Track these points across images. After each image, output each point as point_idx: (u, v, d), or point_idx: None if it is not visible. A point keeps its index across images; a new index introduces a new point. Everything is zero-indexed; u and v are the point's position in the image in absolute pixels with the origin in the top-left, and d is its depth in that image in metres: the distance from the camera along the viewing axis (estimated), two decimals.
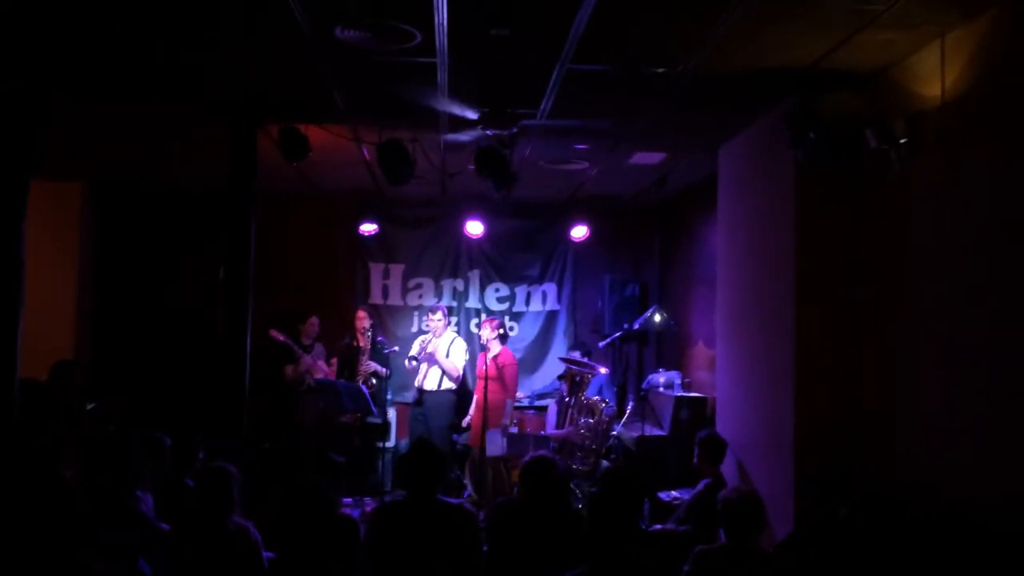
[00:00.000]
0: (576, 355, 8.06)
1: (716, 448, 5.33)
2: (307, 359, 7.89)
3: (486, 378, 7.14)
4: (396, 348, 8.15)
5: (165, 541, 4.02)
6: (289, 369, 7.91)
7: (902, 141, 4.24)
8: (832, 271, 4.98)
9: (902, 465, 4.44)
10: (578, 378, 7.22)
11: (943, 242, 4.14)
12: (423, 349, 7.85)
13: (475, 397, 7.67)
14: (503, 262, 9.32)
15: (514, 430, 7.53)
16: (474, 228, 8.22)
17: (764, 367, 5.46)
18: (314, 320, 8.13)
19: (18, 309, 3.70)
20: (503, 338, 7.68)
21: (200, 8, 4.02)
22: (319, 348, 8.17)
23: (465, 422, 7.77)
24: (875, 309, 4.75)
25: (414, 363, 7.87)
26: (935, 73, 4.17)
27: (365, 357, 7.92)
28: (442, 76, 4.83)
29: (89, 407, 6.40)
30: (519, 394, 8.26)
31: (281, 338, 7.74)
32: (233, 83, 5.23)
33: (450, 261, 9.29)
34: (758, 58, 4.47)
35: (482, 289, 9.32)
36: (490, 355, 7.45)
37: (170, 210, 8.80)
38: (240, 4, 3.98)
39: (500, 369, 7.42)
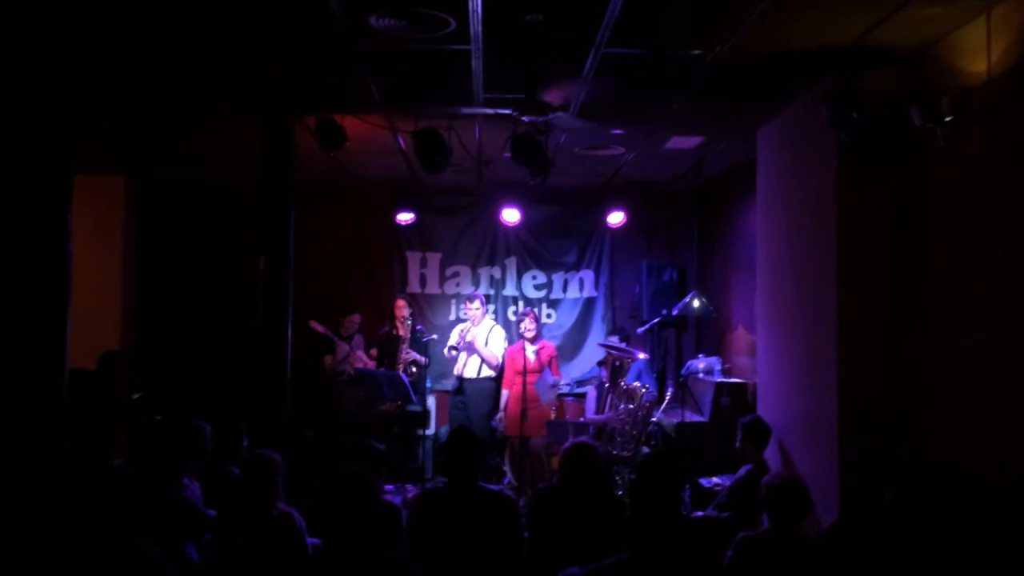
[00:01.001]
0: (615, 340, 8.04)
1: (760, 433, 5.27)
2: (344, 347, 7.97)
3: (524, 371, 7.15)
4: (435, 336, 8.18)
5: (212, 527, 4.09)
6: (328, 359, 8.00)
7: (947, 119, 4.14)
8: (874, 252, 4.90)
9: (945, 449, 4.37)
10: (618, 363, 7.20)
11: (990, 221, 4.04)
12: (462, 338, 7.87)
13: (509, 391, 7.63)
14: (540, 249, 9.30)
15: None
16: (510, 215, 8.21)
17: (806, 351, 5.39)
18: (355, 318, 8.21)
19: (67, 302, 3.76)
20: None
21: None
22: (358, 339, 8.25)
23: (498, 417, 7.76)
24: (918, 290, 4.66)
25: (453, 352, 7.89)
26: (981, 49, 4.07)
27: (405, 346, 7.96)
28: (476, 63, 4.82)
29: (135, 397, 6.54)
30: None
31: (320, 329, 7.84)
32: (269, 74, 5.27)
33: (487, 249, 9.30)
34: (797, 37, 4.40)
35: (519, 276, 9.31)
36: (533, 347, 7.46)
37: (210, 202, 8.92)
38: None
39: (545, 362, 7.47)
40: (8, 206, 3.68)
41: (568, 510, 4.08)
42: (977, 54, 4.10)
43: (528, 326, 7.61)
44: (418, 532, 3.94)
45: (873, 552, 3.75)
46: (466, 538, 3.87)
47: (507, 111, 5.43)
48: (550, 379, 7.24)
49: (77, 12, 4.05)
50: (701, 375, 7.61)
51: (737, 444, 5.29)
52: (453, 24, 4.23)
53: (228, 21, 4.34)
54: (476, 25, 4.23)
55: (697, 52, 4.63)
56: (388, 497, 6.78)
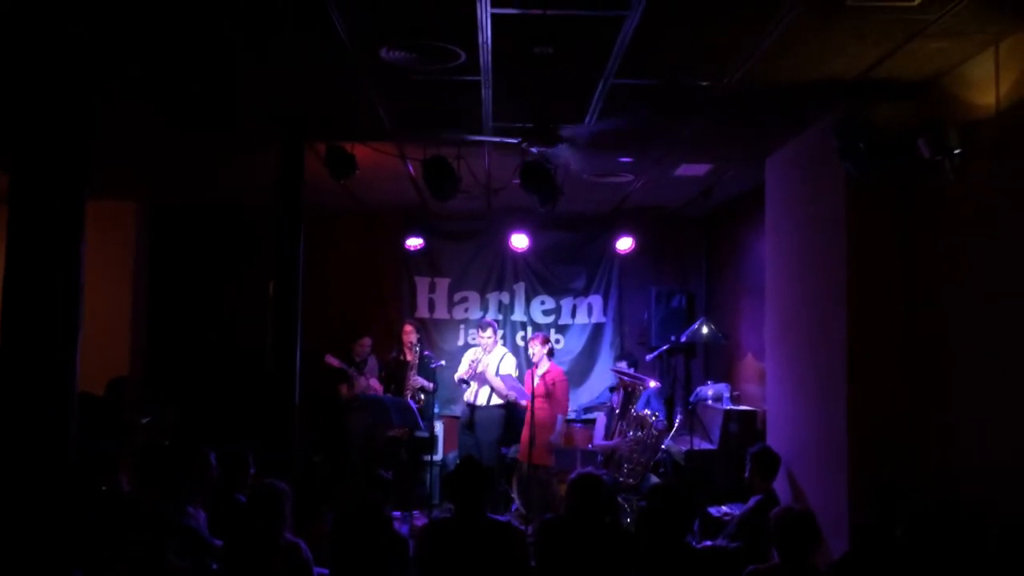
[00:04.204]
0: (623, 365, 8.02)
1: (769, 463, 5.24)
2: (362, 381, 8.02)
3: (533, 395, 7.12)
4: (443, 363, 8.17)
5: (218, 557, 4.08)
6: (344, 389, 8.03)
7: (956, 151, 4.15)
8: (884, 282, 4.89)
9: (960, 479, 4.33)
10: (630, 389, 7.17)
11: (1000, 253, 4.04)
12: (473, 368, 7.83)
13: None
14: (548, 275, 9.31)
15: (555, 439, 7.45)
16: (519, 241, 8.21)
17: (816, 380, 5.37)
18: (366, 341, 8.23)
19: (77, 331, 3.79)
20: (550, 353, 7.66)
21: (249, 30, 4.11)
22: (372, 363, 8.27)
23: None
24: (930, 320, 4.64)
25: (464, 385, 7.87)
26: (989, 81, 4.08)
27: (413, 372, 7.97)
28: (486, 93, 4.86)
29: (143, 421, 6.56)
30: None
31: (336, 363, 7.91)
32: (281, 103, 5.32)
33: (495, 274, 9.31)
34: (805, 69, 4.41)
35: (528, 302, 9.32)
36: (539, 372, 7.42)
37: (220, 228, 8.97)
38: (288, 28, 4.05)
39: (550, 386, 7.38)
40: (21, 232, 3.71)
41: (574, 541, 4.06)
42: (986, 86, 4.11)
43: (531, 350, 7.58)
44: (426, 562, 3.93)
45: None
46: (474, 569, 3.86)
47: (516, 140, 5.44)
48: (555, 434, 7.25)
49: (96, 42, 4.11)
50: (710, 402, 7.59)
51: (746, 474, 5.26)
52: (463, 56, 4.27)
53: (244, 52, 4.39)
54: (486, 57, 4.26)
55: (705, 83, 4.66)
56: (395, 525, 6.77)
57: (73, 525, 3.81)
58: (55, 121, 3.74)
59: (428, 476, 7.99)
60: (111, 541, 3.92)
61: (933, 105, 4.54)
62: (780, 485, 5.49)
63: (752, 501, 5.16)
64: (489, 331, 7.96)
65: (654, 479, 6.98)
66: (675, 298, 8.93)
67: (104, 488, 4.84)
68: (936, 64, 4.32)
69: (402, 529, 6.78)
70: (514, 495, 7.68)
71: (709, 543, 5.23)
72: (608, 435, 7.33)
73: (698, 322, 7.74)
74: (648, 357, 8.50)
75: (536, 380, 7.30)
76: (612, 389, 7.78)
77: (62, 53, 3.73)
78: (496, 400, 7.80)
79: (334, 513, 4.72)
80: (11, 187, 3.74)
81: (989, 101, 4.08)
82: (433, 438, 8.19)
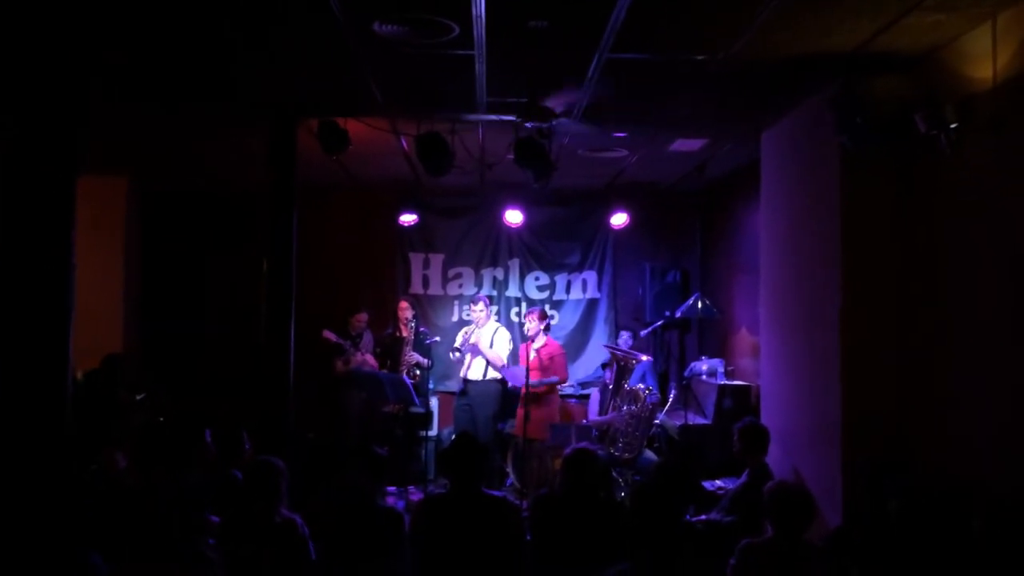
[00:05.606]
0: (626, 336, 8.01)
1: (756, 438, 5.23)
2: (358, 357, 8.03)
3: (528, 369, 7.12)
4: (438, 339, 8.18)
5: (214, 533, 4.09)
6: (339, 364, 8.04)
7: (952, 126, 4.13)
8: (880, 257, 4.89)
9: (953, 457, 4.36)
10: (623, 363, 7.19)
11: (996, 228, 4.03)
12: (466, 340, 7.85)
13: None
14: (543, 250, 9.30)
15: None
16: (513, 217, 8.17)
17: (810, 355, 5.38)
18: (362, 316, 8.23)
19: (69, 311, 3.78)
20: (547, 328, 7.65)
21: (239, 5, 4.05)
22: (367, 339, 8.27)
23: None
24: (925, 295, 4.65)
25: (457, 354, 7.88)
26: (986, 55, 4.05)
27: (408, 348, 7.97)
28: (480, 68, 4.82)
29: (138, 398, 6.56)
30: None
31: (333, 338, 7.91)
32: (273, 79, 5.27)
33: (490, 250, 9.30)
34: (801, 43, 4.39)
35: (522, 278, 9.31)
36: (535, 346, 7.42)
37: (214, 205, 8.92)
38: (280, 1, 4.00)
39: (546, 361, 7.38)
40: (12, 211, 3.69)
41: (569, 516, 4.09)
42: (982, 60, 4.09)
43: (528, 325, 7.58)
44: (421, 538, 3.95)
45: (876, 560, 3.74)
46: (469, 544, 3.88)
47: (510, 117, 5.41)
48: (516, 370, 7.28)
49: (86, 13, 4.06)
50: (704, 377, 7.61)
51: (735, 449, 5.27)
52: (456, 30, 4.23)
53: (235, 27, 4.34)
54: (479, 31, 4.22)
55: (701, 57, 4.62)
56: (391, 500, 6.80)
57: (71, 504, 3.82)
58: (47, 100, 3.72)
59: (423, 452, 8.02)
60: (116, 522, 3.93)
61: (930, 79, 4.52)
62: (775, 460, 5.51)
63: (744, 476, 5.18)
64: (480, 305, 7.93)
65: (650, 454, 7.02)
66: (669, 273, 8.93)
67: (96, 466, 4.86)
68: (932, 37, 4.29)
69: (398, 505, 6.81)
70: (509, 469, 7.72)
71: (703, 517, 5.26)
72: (603, 411, 7.35)
73: (692, 297, 7.75)
74: (643, 332, 8.52)
75: (532, 355, 7.31)
76: (604, 366, 7.78)
77: (54, 32, 3.69)
78: (492, 374, 7.80)
79: (321, 491, 4.74)
80: (2, 166, 3.71)
81: (986, 75, 4.06)
82: (428, 414, 8.20)
